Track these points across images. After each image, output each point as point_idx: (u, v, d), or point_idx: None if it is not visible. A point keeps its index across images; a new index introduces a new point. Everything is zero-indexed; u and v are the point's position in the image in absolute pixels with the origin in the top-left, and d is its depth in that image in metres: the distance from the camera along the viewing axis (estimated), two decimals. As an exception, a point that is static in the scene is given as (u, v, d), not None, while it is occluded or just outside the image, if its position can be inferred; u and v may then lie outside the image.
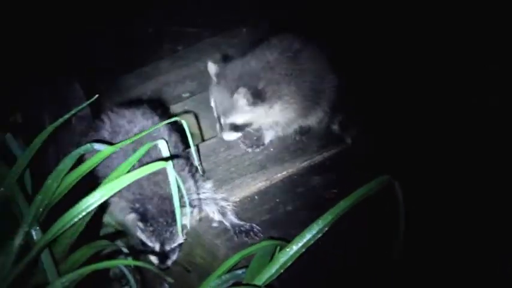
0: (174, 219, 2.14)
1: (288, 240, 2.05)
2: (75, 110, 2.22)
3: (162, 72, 3.09)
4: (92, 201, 2.00)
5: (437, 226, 2.27)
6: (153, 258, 2.26)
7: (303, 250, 2.00)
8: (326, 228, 2.00)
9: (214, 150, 2.58)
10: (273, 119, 2.51)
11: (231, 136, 2.51)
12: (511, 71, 2.76)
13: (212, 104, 2.51)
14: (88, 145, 2.13)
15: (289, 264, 1.99)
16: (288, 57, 2.51)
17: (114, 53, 3.12)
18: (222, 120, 2.48)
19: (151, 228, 2.20)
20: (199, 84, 3.01)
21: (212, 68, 2.49)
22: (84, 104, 2.26)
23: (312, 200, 2.38)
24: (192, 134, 2.09)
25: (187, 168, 2.27)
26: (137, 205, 2.21)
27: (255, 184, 2.46)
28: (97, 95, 2.23)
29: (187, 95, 2.94)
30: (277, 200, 2.41)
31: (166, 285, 2.43)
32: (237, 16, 3.38)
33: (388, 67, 2.83)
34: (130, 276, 2.10)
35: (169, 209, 2.17)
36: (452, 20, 2.99)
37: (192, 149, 2.11)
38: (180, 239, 2.20)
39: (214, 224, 2.29)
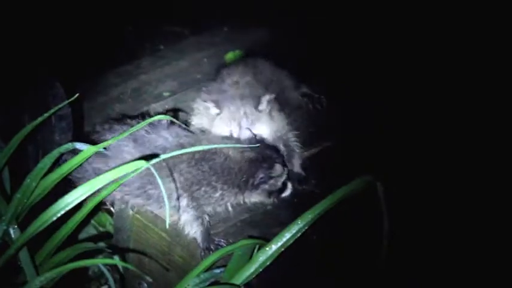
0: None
1: (267, 239, 2.05)
2: (54, 109, 2.22)
3: (143, 71, 3.08)
4: (70, 200, 2.01)
5: (423, 226, 2.28)
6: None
7: (282, 249, 2.01)
8: (306, 228, 2.02)
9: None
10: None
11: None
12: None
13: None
14: (69, 144, 2.13)
15: (268, 263, 2.00)
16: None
17: (94, 51, 3.11)
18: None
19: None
20: (180, 84, 3.01)
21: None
22: (64, 103, 2.26)
23: (293, 200, 2.37)
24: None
25: None
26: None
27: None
28: (77, 94, 2.23)
29: (168, 94, 2.94)
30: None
31: (145, 284, 2.42)
32: (219, 15, 3.38)
33: (375, 66, 2.85)
34: (109, 275, 2.10)
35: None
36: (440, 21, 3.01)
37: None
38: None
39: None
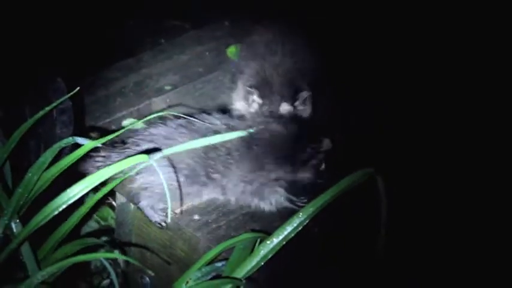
0: None
1: (269, 233, 2.05)
2: (56, 103, 2.22)
3: (144, 65, 3.08)
4: (72, 194, 2.01)
5: (422, 221, 2.28)
6: None
7: (284, 243, 2.01)
8: (307, 221, 2.02)
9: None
10: None
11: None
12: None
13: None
14: (69, 138, 2.13)
15: (269, 256, 2.00)
16: None
17: (95, 46, 3.11)
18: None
19: None
20: (182, 77, 3.00)
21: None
22: (65, 97, 2.27)
23: (294, 192, 2.37)
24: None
25: None
26: None
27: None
28: (78, 88, 2.23)
29: (169, 87, 2.93)
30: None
31: (147, 278, 2.43)
32: (219, 9, 3.37)
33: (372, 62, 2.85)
34: (111, 269, 2.10)
35: None
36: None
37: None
38: None
39: (196, 217, 2.28)
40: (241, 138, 2.25)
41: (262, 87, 2.50)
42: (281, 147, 2.27)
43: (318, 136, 2.30)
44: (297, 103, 2.48)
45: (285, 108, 2.48)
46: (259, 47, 2.67)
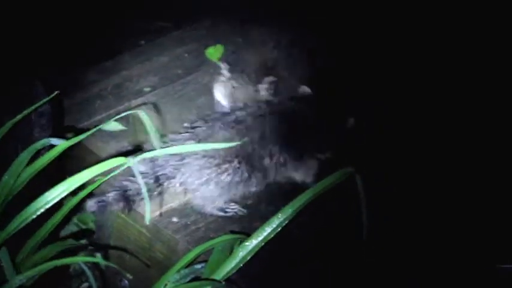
0: None
1: (248, 234, 2.05)
2: (34, 106, 2.21)
3: (123, 66, 3.06)
4: (51, 197, 2.00)
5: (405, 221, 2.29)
6: None
7: (263, 244, 2.01)
8: (286, 222, 2.02)
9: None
10: None
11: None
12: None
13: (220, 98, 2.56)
14: (45, 140, 2.12)
15: (248, 258, 2.00)
16: None
17: (74, 48, 3.09)
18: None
19: None
20: (161, 79, 2.99)
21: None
22: (44, 100, 2.26)
23: (273, 193, 2.37)
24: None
25: None
26: None
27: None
28: (57, 92, 2.23)
29: (148, 89, 2.93)
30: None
31: (126, 281, 2.42)
32: (200, 9, 3.37)
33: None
34: (89, 273, 2.10)
35: None
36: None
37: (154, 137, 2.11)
38: None
39: (174, 219, 2.28)
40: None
41: (233, 66, 2.53)
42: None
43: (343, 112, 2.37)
44: (262, 86, 2.47)
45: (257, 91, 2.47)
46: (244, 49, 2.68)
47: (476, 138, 2.57)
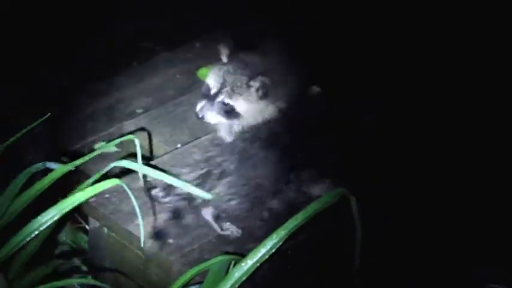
0: None
1: (243, 255, 2.05)
2: (27, 128, 2.21)
3: (116, 88, 3.07)
4: (44, 220, 1.99)
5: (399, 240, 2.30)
6: None
7: (258, 265, 2.01)
8: (281, 243, 2.02)
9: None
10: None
11: (214, 119, 2.51)
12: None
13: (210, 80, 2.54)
14: (40, 164, 2.12)
15: (244, 279, 2.00)
16: None
17: (66, 69, 3.10)
18: (216, 100, 2.49)
19: None
20: (154, 100, 3.00)
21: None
22: (36, 122, 2.26)
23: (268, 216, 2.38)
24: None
25: None
26: None
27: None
28: (49, 114, 2.23)
29: (141, 110, 2.93)
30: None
31: (121, 303, 2.42)
32: (191, 31, 3.38)
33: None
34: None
35: None
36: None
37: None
38: None
39: (169, 240, 2.28)
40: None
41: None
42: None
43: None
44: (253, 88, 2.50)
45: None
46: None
47: (476, 139, 2.57)
